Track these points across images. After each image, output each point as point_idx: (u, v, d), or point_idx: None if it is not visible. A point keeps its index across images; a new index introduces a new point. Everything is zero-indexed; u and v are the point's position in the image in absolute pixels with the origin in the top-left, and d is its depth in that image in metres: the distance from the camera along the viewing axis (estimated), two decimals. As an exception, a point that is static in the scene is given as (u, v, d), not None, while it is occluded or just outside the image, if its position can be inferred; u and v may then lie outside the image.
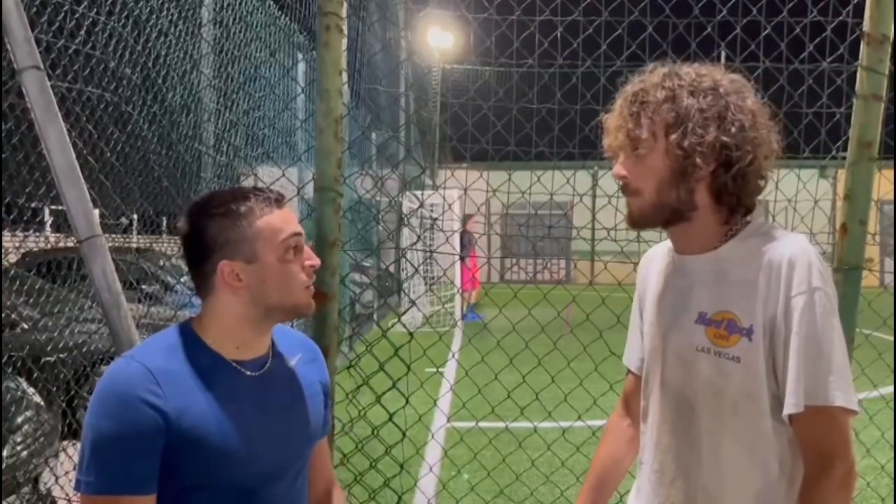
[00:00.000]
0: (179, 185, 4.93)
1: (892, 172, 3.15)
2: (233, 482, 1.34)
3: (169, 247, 8.85)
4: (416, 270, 8.44)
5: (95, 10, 3.50)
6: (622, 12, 2.93)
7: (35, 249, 6.71)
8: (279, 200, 1.40)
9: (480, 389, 3.54)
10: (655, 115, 1.38)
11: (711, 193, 1.41)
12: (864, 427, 2.84)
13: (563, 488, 3.61)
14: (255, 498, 1.37)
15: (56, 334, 4.86)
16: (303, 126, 6.89)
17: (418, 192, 10.05)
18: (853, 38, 2.54)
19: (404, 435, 2.92)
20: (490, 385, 3.55)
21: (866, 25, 2.25)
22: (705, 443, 1.42)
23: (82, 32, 3.34)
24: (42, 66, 2.05)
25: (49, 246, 6.98)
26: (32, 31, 2.08)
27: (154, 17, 4.31)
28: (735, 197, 1.40)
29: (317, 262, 1.43)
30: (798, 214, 2.87)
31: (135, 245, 8.65)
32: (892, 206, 3.65)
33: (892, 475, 2.71)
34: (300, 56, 7.49)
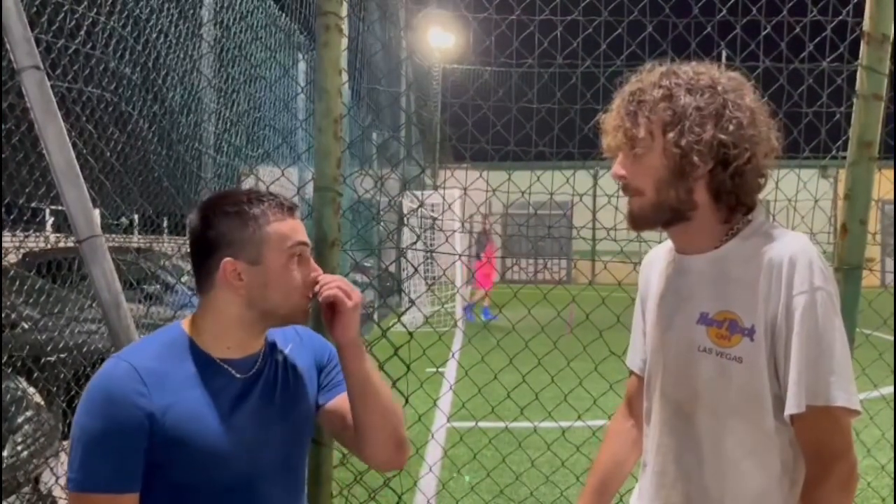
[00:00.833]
0: (179, 185, 4.93)
1: (892, 172, 3.15)
2: (220, 482, 1.35)
3: (169, 247, 8.85)
4: (416, 270, 8.45)
5: (95, 9, 3.50)
6: (622, 12, 2.93)
7: (35, 249, 6.71)
8: (291, 209, 1.43)
9: (480, 389, 3.54)
10: (652, 114, 1.38)
11: (710, 192, 1.40)
12: (864, 427, 2.83)
13: (563, 488, 3.61)
14: (245, 498, 1.38)
15: (56, 334, 4.86)
16: (302, 126, 6.89)
17: (418, 192, 10.05)
18: (853, 37, 2.54)
19: (404, 435, 2.91)
20: (490, 385, 3.55)
21: (866, 25, 2.24)
22: (707, 444, 1.42)
23: (82, 32, 3.34)
24: (42, 66, 2.05)
25: (49, 246, 6.98)
26: (32, 30, 2.08)
27: (154, 16, 4.31)
28: (734, 195, 1.40)
29: (320, 274, 1.44)
30: (798, 214, 2.86)
31: (135, 245, 8.65)
32: (892, 206, 3.65)
33: (893, 475, 2.71)
34: (300, 56, 7.49)
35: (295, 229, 1.41)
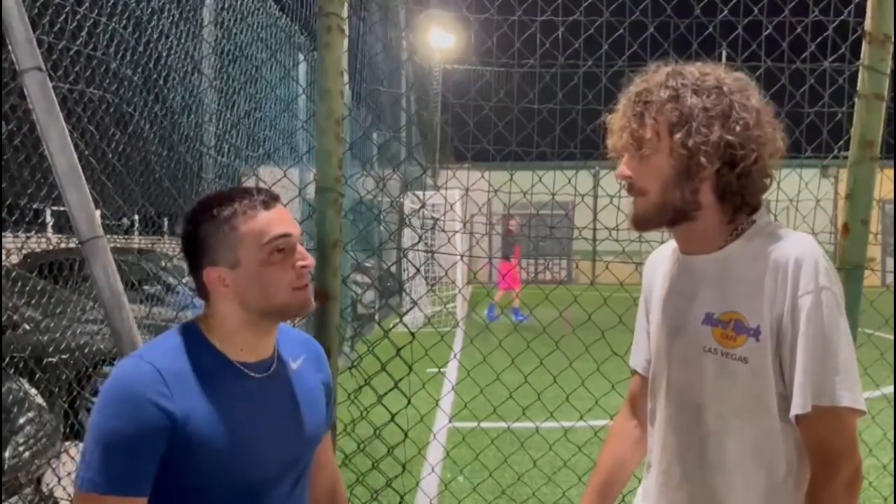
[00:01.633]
0: (181, 185, 4.93)
1: (893, 172, 3.15)
2: (234, 484, 1.34)
3: (170, 247, 8.85)
4: (418, 271, 8.45)
5: (97, 11, 3.50)
6: (623, 12, 2.93)
7: (37, 250, 6.72)
8: (267, 202, 1.38)
9: (482, 390, 3.54)
10: (659, 115, 1.37)
11: (716, 193, 1.40)
12: (866, 427, 2.83)
13: (564, 488, 3.61)
14: (255, 501, 1.37)
15: (58, 335, 4.86)
16: (304, 127, 6.89)
17: (420, 193, 10.05)
18: (855, 37, 2.54)
19: (406, 435, 2.91)
20: (492, 385, 3.55)
21: (868, 25, 2.24)
22: (712, 444, 1.42)
23: (84, 34, 3.35)
24: (44, 68, 2.06)
25: (51, 247, 6.98)
26: (34, 32, 2.08)
27: (155, 18, 4.32)
28: (739, 196, 1.39)
29: (309, 262, 1.40)
30: (800, 214, 2.86)
31: (136, 246, 8.65)
32: (892, 206, 3.65)
33: (894, 475, 2.71)
34: (301, 57, 7.49)
35: (272, 222, 1.36)
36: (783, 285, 1.33)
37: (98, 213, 2.23)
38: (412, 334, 2.89)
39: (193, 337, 1.39)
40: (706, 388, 1.42)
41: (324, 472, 1.63)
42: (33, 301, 5.09)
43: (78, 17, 3.22)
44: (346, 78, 2.41)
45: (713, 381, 1.40)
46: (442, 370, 4.30)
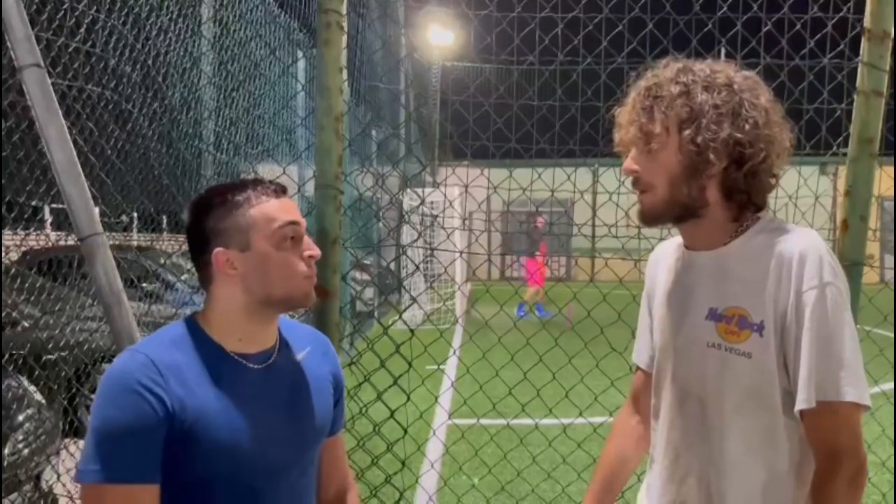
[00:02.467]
0: (180, 183, 4.93)
1: (892, 168, 3.15)
2: (235, 478, 1.34)
3: (169, 245, 8.86)
4: (417, 267, 8.45)
5: (95, 7, 3.50)
6: (623, 9, 2.92)
7: (36, 247, 6.72)
8: (278, 191, 1.41)
9: (482, 386, 3.55)
10: (669, 110, 1.37)
11: (722, 190, 1.40)
12: (865, 423, 2.83)
13: (564, 485, 3.62)
14: (259, 495, 1.37)
15: (57, 332, 4.86)
16: (303, 124, 6.89)
17: (419, 190, 10.04)
18: (854, 34, 2.54)
19: (406, 432, 2.92)
20: (491, 382, 3.56)
21: (867, 21, 2.24)
22: (715, 439, 1.42)
23: (82, 30, 3.34)
24: (42, 64, 2.05)
25: (50, 244, 6.98)
26: (33, 28, 2.08)
27: (154, 14, 4.31)
28: (746, 194, 1.39)
29: (317, 252, 1.41)
30: (799, 211, 2.86)
31: (135, 243, 8.66)
32: (892, 203, 3.65)
33: (893, 471, 2.71)
34: (300, 53, 7.48)
35: (283, 209, 1.38)
36: (787, 280, 1.33)
37: (97, 210, 2.23)
38: (411, 331, 2.90)
39: (190, 329, 1.39)
40: (709, 383, 1.42)
41: (335, 475, 1.61)
42: (32, 298, 5.09)
43: (77, 13, 3.22)
44: (345, 75, 2.40)
45: (716, 376, 1.40)
46: (441, 367, 4.30)
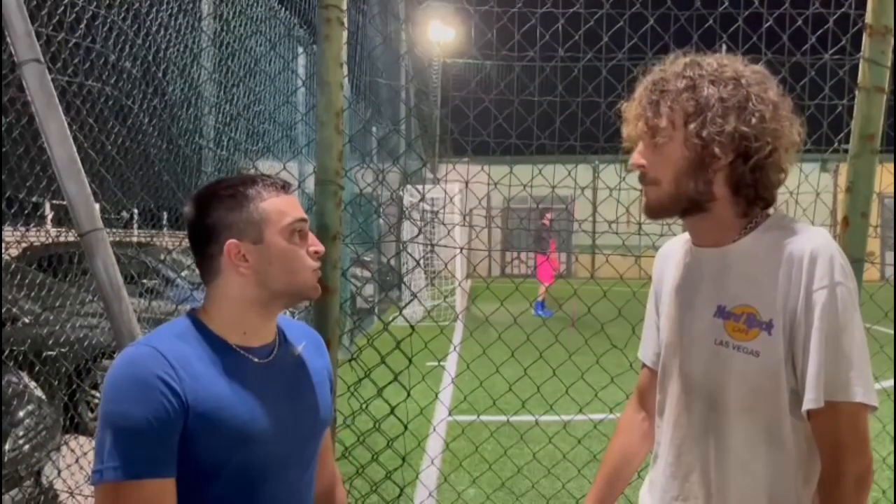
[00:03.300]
0: (180, 179, 4.93)
1: (893, 165, 3.15)
2: (246, 467, 1.33)
3: (170, 241, 8.86)
4: (418, 263, 8.45)
5: (95, 3, 3.50)
6: (624, 4, 2.92)
7: (36, 244, 6.72)
8: (285, 187, 1.43)
9: (482, 382, 3.55)
10: (675, 104, 1.37)
11: (729, 185, 1.39)
12: (865, 420, 2.85)
13: (564, 481, 3.62)
14: (266, 485, 1.37)
15: (57, 328, 4.87)
16: (303, 119, 6.88)
17: (419, 186, 10.04)
18: (855, 29, 2.53)
19: (406, 428, 2.92)
20: (491, 378, 3.56)
21: (868, 17, 2.24)
22: (721, 437, 1.41)
23: (82, 26, 3.34)
24: (42, 60, 2.05)
25: (50, 240, 6.98)
26: (33, 24, 2.08)
27: (154, 10, 4.30)
28: (753, 189, 1.38)
29: (321, 248, 1.43)
30: (800, 207, 2.86)
31: (135, 239, 8.66)
32: (892, 200, 3.65)
33: (893, 468, 2.71)
34: (300, 49, 7.47)
35: (292, 205, 1.41)
36: (797, 279, 1.32)
37: (97, 206, 2.23)
38: (412, 327, 2.90)
39: (193, 324, 1.39)
40: (717, 381, 1.41)
41: (322, 471, 1.63)
42: (32, 294, 5.10)
43: (76, 9, 3.21)
44: (345, 70, 2.40)
45: (723, 373, 1.40)
46: (441, 363, 4.31)
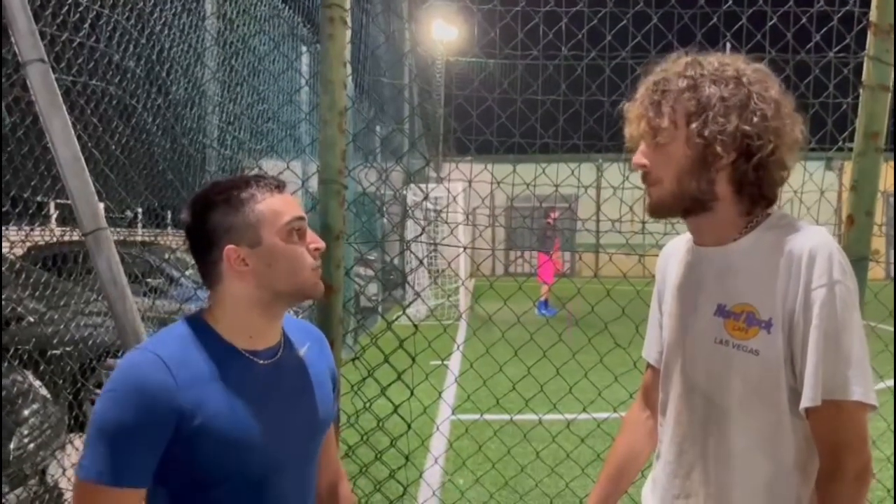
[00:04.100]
0: (184, 178, 4.94)
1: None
2: (246, 472, 1.34)
3: (174, 240, 8.87)
4: (421, 263, 8.46)
5: (99, 2, 3.50)
6: (627, 3, 2.92)
7: (40, 243, 6.73)
8: (280, 186, 1.42)
9: (485, 381, 3.55)
10: (677, 104, 1.37)
11: (732, 184, 1.39)
12: (869, 418, 2.84)
13: (567, 480, 3.62)
14: (267, 488, 1.37)
15: (62, 327, 4.87)
16: (307, 119, 6.89)
17: (423, 185, 10.04)
18: (860, 28, 2.52)
19: (409, 427, 2.92)
20: (495, 377, 3.56)
21: (873, 15, 2.23)
22: (721, 435, 1.42)
23: (86, 25, 3.34)
24: (46, 59, 2.06)
25: (54, 239, 6.99)
26: (36, 23, 2.08)
27: (157, 9, 4.31)
28: (756, 188, 1.39)
29: (322, 245, 1.43)
30: (804, 206, 2.86)
31: (140, 238, 8.67)
32: (893, 198, 3.64)
33: (894, 466, 2.71)
34: (304, 48, 7.48)
35: (288, 203, 1.40)
36: (796, 278, 1.32)
37: (101, 205, 2.23)
38: (415, 326, 2.90)
39: (198, 327, 1.39)
40: (716, 380, 1.41)
41: (326, 468, 1.63)
42: (37, 293, 5.10)
43: (80, 8, 3.22)
44: (348, 69, 2.40)
45: (723, 372, 1.40)
46: (445, 362, 4.31)
